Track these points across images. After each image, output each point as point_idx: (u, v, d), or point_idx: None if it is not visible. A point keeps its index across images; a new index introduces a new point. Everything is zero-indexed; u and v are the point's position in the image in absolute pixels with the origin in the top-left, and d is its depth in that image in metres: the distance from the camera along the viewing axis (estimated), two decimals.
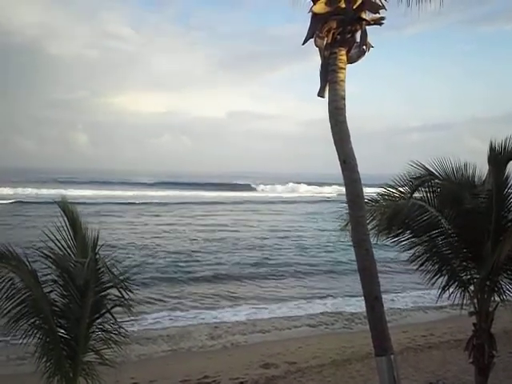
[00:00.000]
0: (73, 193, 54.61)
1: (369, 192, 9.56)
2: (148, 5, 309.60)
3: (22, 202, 52.22)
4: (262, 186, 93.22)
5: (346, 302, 19.76)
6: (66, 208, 6.85)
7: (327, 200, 67.76)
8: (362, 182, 7.48)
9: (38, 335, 6.33)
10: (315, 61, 7.76)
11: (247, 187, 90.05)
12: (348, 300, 19.95)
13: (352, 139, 7.45)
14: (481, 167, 9.05)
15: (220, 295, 20.77)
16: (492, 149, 8.57)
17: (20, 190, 63.35)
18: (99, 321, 6.67)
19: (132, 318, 6.77)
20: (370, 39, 7.54)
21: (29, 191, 63.25)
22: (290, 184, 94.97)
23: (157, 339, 15.29)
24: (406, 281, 22.03)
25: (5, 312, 6.18)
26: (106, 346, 6.70)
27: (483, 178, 9.00)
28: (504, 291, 8.72)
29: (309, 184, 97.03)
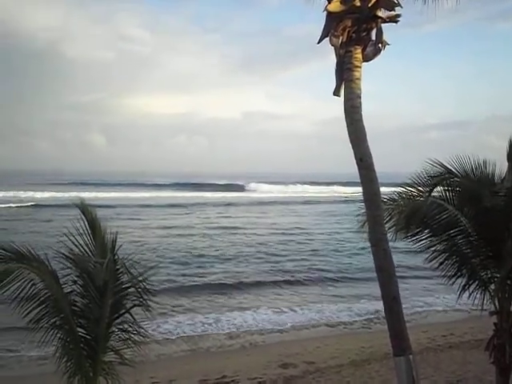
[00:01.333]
0: (89, 195, 54.50)
1: (386, 191, 9.51)
2: (163, 6, 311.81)
3: (39, 205, 52.27)
4: (252, 185, 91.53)
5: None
6: (86, 210, 6.95)
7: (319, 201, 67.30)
8: (379, 180, 7.44)
9: (58, 335, 6.41)
10: (330, 60, 7.76)
11: (237, 187, 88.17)
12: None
13: (368, 138, 7.43)
14: (500, 165, 8.94)
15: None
16: (511, 146, 8.47)
17: (38, 194, 63.25)
18: (118, 321, 6.72)
19: (151, 318, 6.84)
20: (385, 37, 7.50)
21: (46, 194, 63.11)
22: (290, 185, 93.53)
23: (176, 339, 15.40)
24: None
25: (26, 312, 6.28)
26: (125, 346, 6.75)
27: (503, 176, 8.88)
28: None
29: (317, 184, 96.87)
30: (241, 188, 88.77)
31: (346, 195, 70.55)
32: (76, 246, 6.70)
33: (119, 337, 6.76)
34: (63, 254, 6.53)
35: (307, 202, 67.42)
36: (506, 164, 8.73)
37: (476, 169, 8.94)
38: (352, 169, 7.54)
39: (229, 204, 61.20)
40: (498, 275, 8.55)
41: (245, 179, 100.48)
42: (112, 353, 6.72)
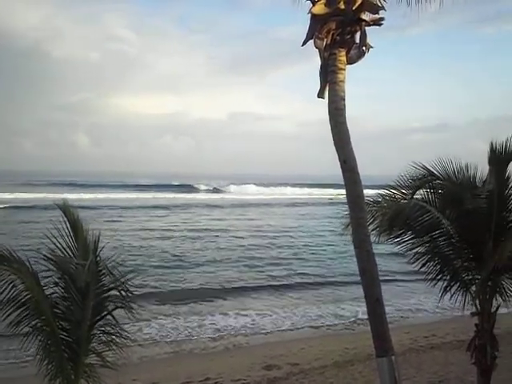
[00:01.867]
0: (73, 196, 53.33)
1: (370, 193, 9.57)
2: (149, 7, 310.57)
3: (17, 207, 50.64)
4: (234, 188, 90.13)
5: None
6: (68, 211, 6.88)
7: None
8: (363, 183, 7.48)
9: (39, 337, 6.33)
10: (316, 62, 7.78)
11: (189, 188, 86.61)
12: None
13: (353, 140, 7.47)
14: (482, 168, 9.04)
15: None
16: (492, 149, 8.58)
17: (17, 195, 61.42)
18: (100, 323, 6.67)
19: (133, 320, 6.79)
20: (369, 40, 7.56)
21: (26, 196, 61.09)
22: (272, 187, 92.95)
23: (159, 341, 15.31)
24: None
25: (6, 314, 6.19)
26: (107, 348, 6.69)
27: (484, 179, 8.99)
28: (506, 292, 8.70)
29: (302, 186, 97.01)
30: (223, 190, 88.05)
31: (330, 197, 70.99)
32: (58, 247, 6.63)
33: (101, 339, 6.70)
34: (44, 255, 6.45)
35: (292, 204, 67.18)
36: (488, 167, 8.83)
37: (458, 172, 9.04)
38: (336, 171, 7.59)
39: (208, 206, 60.10)
40: (479, 277, 8.64)
41: (230, 180, 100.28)
42: (94, 355, 6.66)
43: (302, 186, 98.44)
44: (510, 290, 8.71)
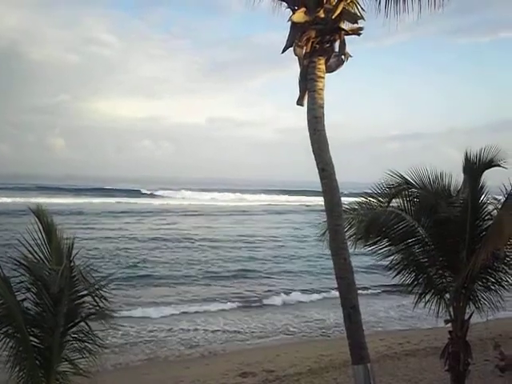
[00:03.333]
0: (45, 200, 50.68)
1: (349, 200, 9.65)
2: (130, 12, 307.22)
3: None
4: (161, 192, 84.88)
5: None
6: (41, 215, 6.74)
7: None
8: (340, 190, 7.52)
9: (10, 344, 6.17)
10: (295, 69, 7.82)
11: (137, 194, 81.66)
12: None
13: (331, 147, 7.51)
14: (457, 177, 9.19)
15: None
16: (467, 159, 8.72)
17: None
18: (74, 330, 6.54)
19: (108, 326, 6.68)
20: (349, 49, 7.63)
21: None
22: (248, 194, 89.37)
23: (133, 348, 15.10)
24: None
25: None
26: (80, 356, 6.57)
27: (458, 187, 9.14)
28: (479, 299, 8.85)
29: (277, 193, 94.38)
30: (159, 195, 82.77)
31: (307, 204, 70.45)
32: (30, 252, 6.48)
33: (74, 346, 6.57)
34: (17, 260, 6.30)
35: (266, 210, 65.01)
36: (462, 176, 8.97)
37: (433, 181, 9.18)
38: (314, 178, 7.60)
39: (165, 211, 57.27)
40: (453, 284, 8.77)
41: (205, 185, 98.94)
42: (66, 363, 6.52)
43: (278, 192, 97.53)
44: (483, 297, 8.86)
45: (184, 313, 19.13)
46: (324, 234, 8.62)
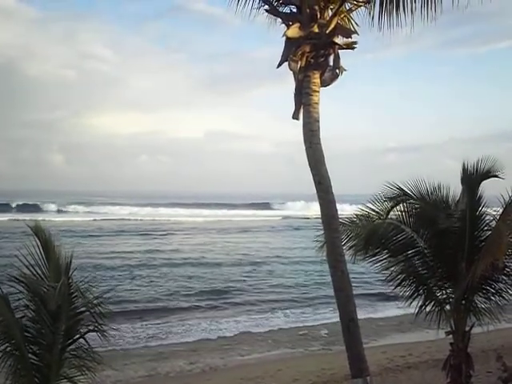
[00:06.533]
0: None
1: (347, 213, 9.65)
2: (126, 27, 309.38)
3: None
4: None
5: None
6: (39, 231, 6.75)
7: None
8: (338, 202, 7.55)
9: (9, 362, 6.16)
10: (291, 83, 7.89)
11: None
12: None
13: (331, 158, 7.57)
14: (455, 188, 9.21)
15: None
16: (465, 169, 8.76)
17: None
18: (72, 347, 6.52)
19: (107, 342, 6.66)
20: (343, 62, 7.71)
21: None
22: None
23: (134, 364, 15.00)
24: None
25: None
26: (79, 373, 6.54)
27: (457, 198, 9.15)
28: (480, 310, 8.81)
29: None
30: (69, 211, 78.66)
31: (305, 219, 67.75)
32: (28, 268, 6.49)
33: (73, 363, 6.54)
34: (14, 277, 6.31)
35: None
36: (461, 186, 8.99)
37: (432, 192, 9.20)
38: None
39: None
40: (453, 296, 8.74)
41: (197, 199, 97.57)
42: (65, 380, 6.49)
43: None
44: (483, 308, 8.82)
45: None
46: (322, 246, 8.62)
